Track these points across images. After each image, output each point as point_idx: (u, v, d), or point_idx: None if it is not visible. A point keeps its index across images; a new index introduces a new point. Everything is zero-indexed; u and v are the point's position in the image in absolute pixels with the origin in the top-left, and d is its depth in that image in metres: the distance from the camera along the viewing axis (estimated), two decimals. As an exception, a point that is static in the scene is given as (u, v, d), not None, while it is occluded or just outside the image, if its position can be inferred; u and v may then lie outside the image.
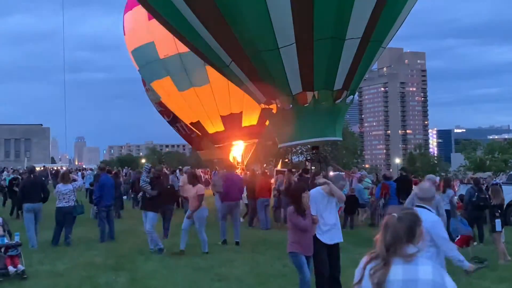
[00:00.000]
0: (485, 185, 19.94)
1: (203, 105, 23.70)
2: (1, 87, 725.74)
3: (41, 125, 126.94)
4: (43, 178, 22.64)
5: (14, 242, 9.28)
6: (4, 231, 9.63)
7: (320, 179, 8.21)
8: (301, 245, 7.42)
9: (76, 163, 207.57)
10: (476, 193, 14.81)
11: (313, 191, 7.89)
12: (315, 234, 7.62)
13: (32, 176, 14.61)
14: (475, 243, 14.39)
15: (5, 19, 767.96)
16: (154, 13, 14.74)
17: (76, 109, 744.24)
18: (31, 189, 13.13)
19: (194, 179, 12.69)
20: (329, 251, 7.87)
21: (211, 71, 20.26)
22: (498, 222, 11.79)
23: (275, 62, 13.13)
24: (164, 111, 27.65)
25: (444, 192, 14.85)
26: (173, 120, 27.92)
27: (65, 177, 14.17)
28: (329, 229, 7.81)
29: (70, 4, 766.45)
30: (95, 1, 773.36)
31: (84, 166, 57.13)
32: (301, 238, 7.41)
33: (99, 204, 14.15)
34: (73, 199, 13.52)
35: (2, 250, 9.07)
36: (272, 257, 11.72)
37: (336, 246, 8.01)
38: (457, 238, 12.47)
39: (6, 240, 9.33)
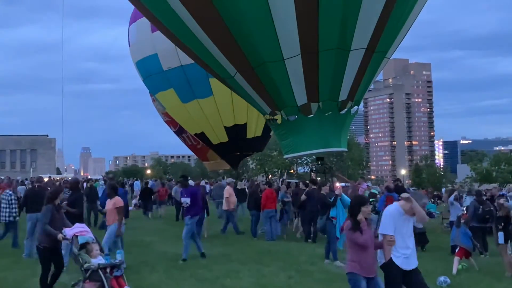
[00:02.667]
0: (490, 196, 19.87)
1: (207, 117, 23.72)
2: (7, 98, 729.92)
3: (47, 135, 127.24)
4: (48, 188, 22.62)
5: (117, 261, 8.31)
6: (100, 249, 8.72)
7: (404, 194, 7.18)
8: (361, 265, 6.69)
9: (82, 174, 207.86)
10: (481, 206, 14.77)
11: (391, 207, 7.18)
12: (391, 257, 6.78)
13: (36, 186, 14.64)
14: (482, 255, 14.32)
15: (12, 30, 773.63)
16: (158, 24, 14.77)
17: (82, 120, 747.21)
18: (33, 199, 13.13)
19: (111, 191, 12.14)
20: (407, 279, 6.89)
21: (214, 83, 20.31)
22: (501, 235, 11.74)
23: (280, 73, 13.13)
24: (171, 121, 27.65)
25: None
26: (179, 131, 27.90)
27: (71, 185, 14.18)
28: (407, 252, 6.91)
29: (78, 16, 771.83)
30: (103, 13, 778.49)
31: (89, 177, 57.16)
32: (360, 257, 6.68)
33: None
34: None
35: (108, 270, 8.09)
36: (278, 268, 11.69)
37: (415, 271, 7.00)
38: (457, 250, 12.41)
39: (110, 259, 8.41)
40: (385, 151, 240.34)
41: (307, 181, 21.48)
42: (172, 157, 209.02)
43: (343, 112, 14.01)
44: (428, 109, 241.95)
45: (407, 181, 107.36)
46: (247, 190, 25.51)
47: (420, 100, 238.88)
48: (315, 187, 17.78)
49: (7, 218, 13.90)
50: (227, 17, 12.27)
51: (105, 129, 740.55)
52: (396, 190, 18.69)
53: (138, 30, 24.09)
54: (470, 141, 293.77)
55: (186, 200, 13.07)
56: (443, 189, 42.24)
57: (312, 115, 13.80)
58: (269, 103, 14.31)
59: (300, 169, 71.34)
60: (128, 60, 26.77)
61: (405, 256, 6.81)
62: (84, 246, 8.33)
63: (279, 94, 13.79)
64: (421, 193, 10.26)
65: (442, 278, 10.59)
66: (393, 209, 7.00)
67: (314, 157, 20.14)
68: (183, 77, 22.50)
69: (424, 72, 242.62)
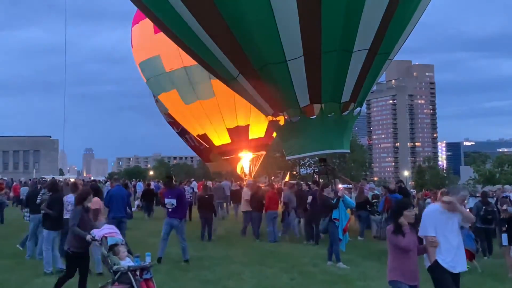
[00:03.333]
0: (495, 197, 19.82)
1: (209, 118, 23.77)
2: (11, 100, 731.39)
3: (50, 137, 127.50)
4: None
5: (147, 263, 8.12)
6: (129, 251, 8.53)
7: (446, 198, 6.70)
8: (403, 272, 6.28)
9: (85, 175, 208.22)
10: (484, 207, 14.72)
11: (429, 208, 6.86)
12: (436, 259, 6.46)
13: (39, 187, 14.61)
14: (485, 257, 14.28)
15: (17, 32, 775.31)
16: (161, 26, 14.81)
17: (85, 121, 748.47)
18: (36, 200, 13.08)
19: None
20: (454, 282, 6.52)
21: (216, 85, 20.33)
22: (504, 236, 11.71)
23: (283, 74, 13.15)
24: (173, 122, 27.71)
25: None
26: (182, 132, 27.96)
27: (75, 187, 14.16)
28: (452, 252, 6.52)
29: (82, 18, 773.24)
30: (106, 15, 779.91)
31: (92, 178, 57.35)
32: (402, 263, 6.28)
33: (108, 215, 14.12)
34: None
35: (137, 272, 7.86)
36: (280, 270, 11.66)
37: (457, 276, 6.66)
38: None
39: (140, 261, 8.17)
40: (388, 153, 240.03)
41: (309, 183, 21.51)
42: (174, 158, 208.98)
43: (345, 113, 14.02)
44: (431, 111, 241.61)
45: (410, 183, 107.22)
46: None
47: (423, 101, 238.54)
48: (317, 188, 17.79)
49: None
50: (230, 19, 12.29)
51: (108, 130, 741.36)
52: (399, 191, 18.70)
53: (141, 32, 24.15)
54: (473, 143, 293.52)
55: (171, 201, 12.49)
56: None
57: (315, 116, 13.80)
58: (272, 105, 14.32)
59: (303, 171, 71.29)
60: (131, 62, 26.91)
61: (447, 255, 6.48)
62: (112, 247, 8.15)
63: (281, 96, 13.80)
64: (459, 187, 9.97)
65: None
66: (432, 209, 6.77)
67: (317, 158, 20.16)
68: (186, 78, 22.56)
69: (427, 74, 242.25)
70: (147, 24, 22.29)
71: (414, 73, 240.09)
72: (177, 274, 11.11)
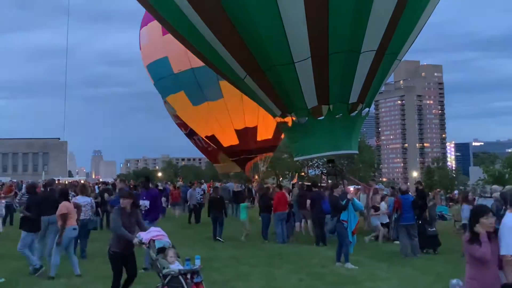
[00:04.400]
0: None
1: (217, 119, 23.78)
2: (20, 102, 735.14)
3: (59, 139, 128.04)
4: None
5: (198, 266, 7.89)
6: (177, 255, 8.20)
7: None
8: (481, 283, 5.79)
9: (93, 177, 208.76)
10: (503, 207, 14.61)
11: (508, 220, 6.02)
12: None
13: (48, 189, 14.66)
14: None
15: (25, 35, 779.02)
16: (169, 27, 14.84)
17: (94, 123, 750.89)
18: (45, 202, 13.10)
19: (60, 196, 11.74)
20: None
21: (224, 86, 20.35)
22: None
23: (291, 76, 13.13)
24: (182, 123, 27.75)
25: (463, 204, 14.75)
26: (191, 133, 27.99)
27: (84, 189, 14.19)
28: None
29: (90, 20, 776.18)
30: (115, 17, 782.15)
31: (101, 179, 57.58)
32: (480, 274, 5.80)
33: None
34: (90, 213, 13.54)
35: (188, 276, 7.66)
36: (289, 271, 11.65)
37: None
38: None
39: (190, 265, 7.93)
40: (396, 154, 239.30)
41: (308, 184, 21.51)
42: (183, 159, 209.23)
43: (353, 114, 13.98)
44: (440, 111, 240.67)
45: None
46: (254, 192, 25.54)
47: (431, 102, 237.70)
48: (316, 189, 17.80)
49: None
50: (237, 20, 12.29)
51: (117, 132, 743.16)
52: (417, 193, 18.64)
53: (149, 34, 24.22)
54: (482, 143, 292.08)
55: (144, 203, 12.20)
56: (456, 191, 42.01)
57: (323, 117, 13.78)
58: (280, 106, 14.31)
59: (311, 172, 71.15)
60: (139, 63, 26.93)
61: None
62: (160, 250, 7.95)
63: (289, 97, 13.78)
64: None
65: (454, 281, 10.48)
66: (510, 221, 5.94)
67: (325, 159, 20.12)
68: (194, 79, 22.58)
69: (435, 74, 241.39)
70: (155, 26, 22.34)
71: (423, 74, 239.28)
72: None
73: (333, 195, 13.47)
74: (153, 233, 8.17)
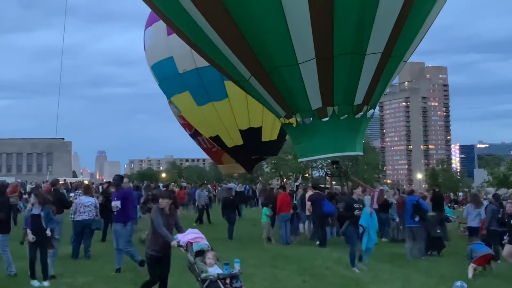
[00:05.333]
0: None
1: (222, 120, 23.73)
2: (24, 102, 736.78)
3: (63, 139, 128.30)
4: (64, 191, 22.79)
5: (237, 271, 7.70)
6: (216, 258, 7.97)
7: None
8: None
9: (98, 177, 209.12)
10: (501, 209, 14.60)
11: None
12: None
13: (52, 189, 14.70)
14: (498, 261, 14.15)
15: (29, 35, 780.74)
16: (173, 27, 14.84)
17: (98, 124, 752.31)
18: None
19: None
20: None
21: (229, 86, 20.31)
22: None
23: (295, 77, 13.10)
24: (186, 124, 27.70)
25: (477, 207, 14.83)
26: (195, 134, 27.94)
27: (88, 189, 14.24)
28: None
29: (94, 20, 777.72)
30: (119, 17, 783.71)
31: (105, 180, 57.59)
32: None
33: None
34: (93, 213, 13.58)
35: (227, 281, 7.48)
36: (292, 272, 11.65)
37: None
38: (474, 259, 12.15)
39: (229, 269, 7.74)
40: (401, 155, 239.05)
41: (307, 186, 21.59)
42: (187, 160, 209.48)
43: (358, 116, 13.95)
44: (445, 113, 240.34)
45: (423, 186, 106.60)
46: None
47: (436, 103, 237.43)
48: (317, 191, 17.82)
49: None
50: (241, 21, 12.28)
51: (121, 132, 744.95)
52: (433, 197, 18.71)
53: (153, 34, 24.19)
54: (487, 145, 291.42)
55: (116, 204, 11.78)
56: (460, 194, 41.94)
57: (327, 118, 13.76)
58: (284, 107, 14.29)
59: (315, 173, 71.18)
60: (144, 64, 26.98)
61: None
62: (198, 253, 7.78)
63: (293, 98, 13.76)
64: None
65: (459, 283, 10.48)
66: None
67: (330, 161, 20.08)
68: (198, 80, 22.54)
69: (440, 76, 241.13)
70: (160, 26, 22.31)
71: (427, 75, 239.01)
72: (189, 276, 11.11)
73: (350, 196, 13.15)
74: (191, 236, 8.02)
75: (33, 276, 10.12)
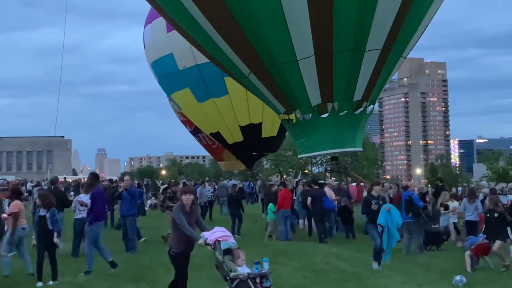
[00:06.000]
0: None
1: (222, 116, 23.76)
2: (24, 101, 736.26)
3: (63, 137, 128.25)
4: (64, 189, 22.83)
5: (267, 270, 7.53)
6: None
7: None
8: None
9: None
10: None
11: None
12: None
13: (52, 187, 14.71)
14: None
15: (30, 33, 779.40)
16: (172, 22, 14.86)
17: (98, 121, 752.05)
18: None
19: (12, 195, 11.53)
20: None
21: (229, 82, 20.32)
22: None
23: (294, 74, 13.11)
24: (187, 121, 27.72)
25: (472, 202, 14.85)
26: (195, 130, 27.97)
27: (88, 186, 14.23)
28: None
29: (95, 18, 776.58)
30: (120, 15, 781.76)
31: (106, 177, 57.61)
32: None
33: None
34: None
35: (257, 280, 7.31)
36: (293, 268, 11.69)
37: None
38: (472, 247, 12.17)
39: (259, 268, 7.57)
40: (400, 151, 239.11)
41: (306, 182, 21.63)
42: (187, 157, 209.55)
43: (358, 111, 13.97)
44: (444, 108, 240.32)
45: (422, 181, 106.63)
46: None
47: (435, 99, 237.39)
48: (317, 187, 17.88)
49: None
50: (240, 18, 12.29)
51: (121, 130, 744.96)
52: (436, 190, 18.69)
53: (153, 31, 24.20)
54: (486, 140, 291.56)
55: (85, 202, 11.71)
56: (459, 188, 42.00)
57: (327, 114, 13.78)
58: (283, 103, 14.31)
59: (315, 169, 71.14)
60: (143, 61, 26.96)
61: None
62: (226, 252, 7.60)
63: (293, 95, 13.78)
64: None
65: (458, 277, 10.54)
66: None
67: (329, 156, 20.11)
68: (199, 76, 22.55)
69: (439, 71, 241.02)
70: (160, 23, 22.34)
71: (426, 71, 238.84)
72: (189, 273, 11.14)
73: (369, 194, 12.66)
74: (218, 234, 7.80)
75: (39, 278, 10.12)
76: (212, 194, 25.14)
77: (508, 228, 11.69)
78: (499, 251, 11.68)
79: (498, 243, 11.60)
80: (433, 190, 21.74)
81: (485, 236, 12.16)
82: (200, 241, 7.71)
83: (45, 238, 10.14)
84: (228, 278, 7.33)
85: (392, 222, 11.31)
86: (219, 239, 7.66)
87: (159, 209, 20.33)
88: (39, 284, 9.99)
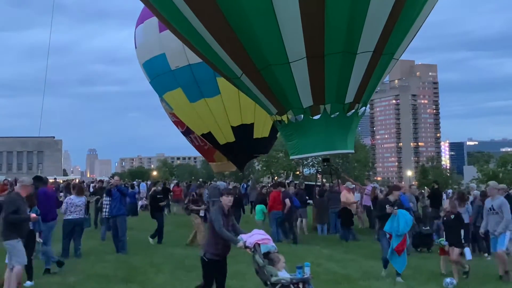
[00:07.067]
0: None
1: (214, 116, 23.72)
2: (14, 101, 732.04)
3: (53, 137, 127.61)
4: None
5: (309, 275, 7.26)
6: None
7: None
8: None
9: (88, 175, 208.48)
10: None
11: None
12: None
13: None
14: (488, 258, 14.23)
15: (21, 33, 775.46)
16: (164, 21, 14.85)
17: (88, 122, 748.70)
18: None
19: None
20: None
21: (221, 82, 20.30)
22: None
23: (286, 76, 13.13)
24: (178, 122, 27.67)
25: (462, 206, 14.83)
26: (187, 131, 27.92)
27: (79, 189, 14.17)
28: None
29: (86, 18, 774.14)
30: (111, 15, 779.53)
31: (98, 178, 57.32)
32: None
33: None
34: (83, 212, 13.54)
35: (300, 286, 7.08)
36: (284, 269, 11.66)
37: None
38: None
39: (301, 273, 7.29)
40: (391, 153, 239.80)
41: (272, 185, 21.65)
42: (178, 158, 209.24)
43: (349, 113, 13.99)
44: (434, 111, 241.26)
45: (413, 182, 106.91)
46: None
47: (426, 101, 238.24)
48: (283, 189, 17.84)
49: None
50: (232, 19, 12.29)
51: (112, 131, 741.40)
52: (432, 192, 18.67)
53: (145, 31, 24.12)
54: (477, 143, 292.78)
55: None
56: (450, 190, 42.20)
57: (319, 116, 13.80)
58: (276, 104, 14.32)
59: (306, 171, 71.24)
60: (135, 62, 26.81)
61: None
62: (265, 256, 7.30)
63: (285, 96, 13.79)
64: None
65: (448, 280, 10.56)
66: None
67: (320, 158, 20.15)
68: (191, 76, 22.50)
69: (430, 74, 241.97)
70: (152, 23, 22.30)
71: (417, 73, 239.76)
72: (180, 274, 11.13)
73: (385, 198, 11.89)
74: (258, 236, 7.52)
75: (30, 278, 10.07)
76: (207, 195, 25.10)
77: (462, 231, 11.44)
78: (458, 258, 11.21)
79: (456, 251, 11.18)
80: (429, 192, 21.86)
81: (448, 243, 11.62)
82: (240, 244, 7.44)
83: (26, 239, 9.98)
84: (269, 283, 7.08)
85: (397, 229, 10.69)
86: (259, 242, 7.41)
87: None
88: (29, 283, 9.94)
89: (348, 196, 18.37)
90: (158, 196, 17.91)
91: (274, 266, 7.18)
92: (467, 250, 11.68)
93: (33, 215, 10.52)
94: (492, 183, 12.34)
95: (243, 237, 7.55)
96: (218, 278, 7.93)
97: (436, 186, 20.46)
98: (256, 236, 7.48)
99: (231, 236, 7.59)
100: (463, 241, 11.42)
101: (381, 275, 11.18)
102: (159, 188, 19.31)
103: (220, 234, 7.52)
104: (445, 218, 11.79)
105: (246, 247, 7.42)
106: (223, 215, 7.68)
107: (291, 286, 6.92)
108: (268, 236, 7.65)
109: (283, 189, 17.90)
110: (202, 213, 15.97)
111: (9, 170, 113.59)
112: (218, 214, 7.67)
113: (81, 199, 13.52)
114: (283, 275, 7.06)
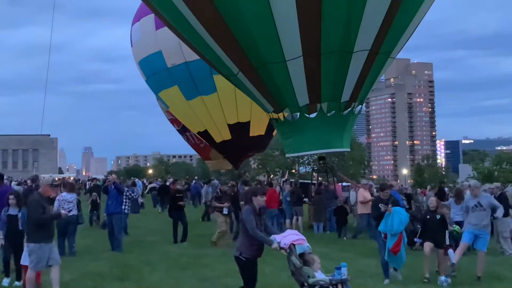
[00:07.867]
0: (493, 195, 19.98)
1: (211, 114, 23.67)
2: (10, 99, 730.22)
3: (49, 135, 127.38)
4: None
5: (346, 276, 7.22)
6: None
7: None
8: None
9: (84, 174, 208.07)
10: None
11: None
12: None
13: (33, 185, 14.60)
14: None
15: (17, 31, 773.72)
16: (165, 21, 14.83)
17: (84, 120, 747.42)
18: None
19: None
20: None
21: (218, 80, 20.28)
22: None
23: (282, 74, 13.10)
24: (174, 119, 27.62)
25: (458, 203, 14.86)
26: (183, 129, 27.87)
27: (70, 186, 14.17)
28: None
29: (82, 17, 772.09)
30: (106, 14, 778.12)
31: (93, 176, 57.20)
32: None
33: None
34: (76, 209, 13.53)
35: (339, 286, 6.97)
36: (279, 267, 11.67)
37: None
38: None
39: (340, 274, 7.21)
40: (386, 151, 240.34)
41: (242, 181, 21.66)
42: (174, 156, 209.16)
43: (346, 112, 13.99)
44: (430, 109, 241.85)
45: (408, 181, 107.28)
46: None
47: (421, 100, 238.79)
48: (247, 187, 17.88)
49: None
50: (228, 16, 12.26)
51: (107, 129, 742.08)
52: (438, 191, 18.69)
53: (141, 29, 24.05)
54: (472, 141, 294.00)
55: None
56: (446, 189, 42.33)
57: (315, 114, 13.80)
58: (272, 102, 14.32)
59: (302, 169, 71.32)
60: (130, 60, 26.81)
61: None
62: (300, 257, 7.17)
63: (281, 95, 13.79)
64: None
65: (443, 278, 10.60)
66: None
67: (316, 156, 20.15)
68: (188, 73, 22.43)
69: (426, 72, 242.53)
70: (148, 20, 22.24)
71: (413, 72, 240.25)
72: (175, 272, 11.15)
73: (378, 197, 11.72)
74: (293, 237, 7.37)
75: (7, 275, 10.10)
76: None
77: (446, 232, 11.37)
78: (430, 253, 10.98)
79: (429, 245, 10.85)
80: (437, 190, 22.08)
81: (421, 241, 11.28)
82: (274, 245, 7.33)
83: (14, 239, 9.93)
84: (306, 284, 6.90)
85: (391, 228, 10.48)
86: (294, 243, 7.26)
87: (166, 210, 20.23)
88: (5, 282, 9.96)
89: (365, 195, 17.93)
90: (177, 195, 17.21)
91: (313, 267, 7.08)
92: (451, 253, 11.52)
93: (64, 212, 10.58)
94: (473, 182, 12.46)
95: (276, 237, 7.43)
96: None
97: (442, 185, 20.73)
98: (291, 237, 7.34)
99: (265, 237, 7.48)
100: (447, 243, 11.38)
101: (384, 283, 10.78)
102: (178, 187, 18.62)
103: (254, 235, 7.40)
104: (428, 217, 11.30)
105: (281, 248, 7.28)
106: (255, 215, 7.52)
107: (330, 287, 6.80)
108: (302, 237, 7.52)
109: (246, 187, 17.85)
110: (225, 211, 15.69)
111: (4, 168, 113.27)
112: (249, 215, 7.49)
113: (72, 195, 13.51)
114: (320, 276, 6.94)
